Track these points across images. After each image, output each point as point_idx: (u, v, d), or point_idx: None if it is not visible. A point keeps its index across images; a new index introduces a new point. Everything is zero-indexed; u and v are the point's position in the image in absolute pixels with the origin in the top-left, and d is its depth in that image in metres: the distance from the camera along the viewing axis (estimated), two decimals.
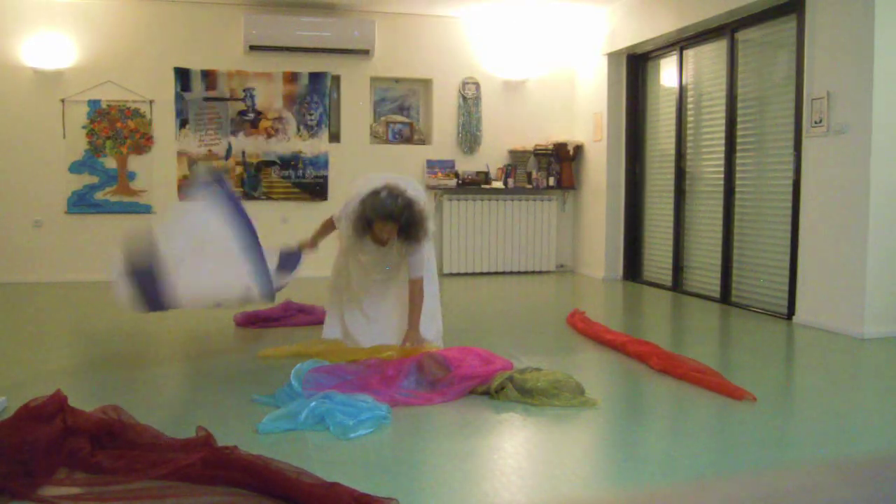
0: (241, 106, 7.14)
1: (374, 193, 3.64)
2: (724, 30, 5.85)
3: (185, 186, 6.83)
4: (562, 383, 3.21)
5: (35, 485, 2.19)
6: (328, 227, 4.16)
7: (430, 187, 7.43)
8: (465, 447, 2.69)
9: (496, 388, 3.21)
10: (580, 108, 7.74)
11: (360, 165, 7.03)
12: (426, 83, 7.68)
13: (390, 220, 3.62)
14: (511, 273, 7.67)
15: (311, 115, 7.26)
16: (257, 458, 2.30)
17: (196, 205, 3.83)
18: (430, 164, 7.49)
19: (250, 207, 6.87)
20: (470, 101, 7.59)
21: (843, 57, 4.59)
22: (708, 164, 6.19)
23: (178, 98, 7.00)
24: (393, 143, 7.62)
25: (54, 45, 6.71)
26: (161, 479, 2.23)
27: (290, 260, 4.06)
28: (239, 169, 7.14)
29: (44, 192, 6.82)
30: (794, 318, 5.02)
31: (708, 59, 6.19)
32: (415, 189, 3.84)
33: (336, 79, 7.39)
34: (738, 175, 5.80)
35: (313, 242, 4.20)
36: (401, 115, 7.72)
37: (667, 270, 6.71)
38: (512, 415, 3.03)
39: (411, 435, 2.80)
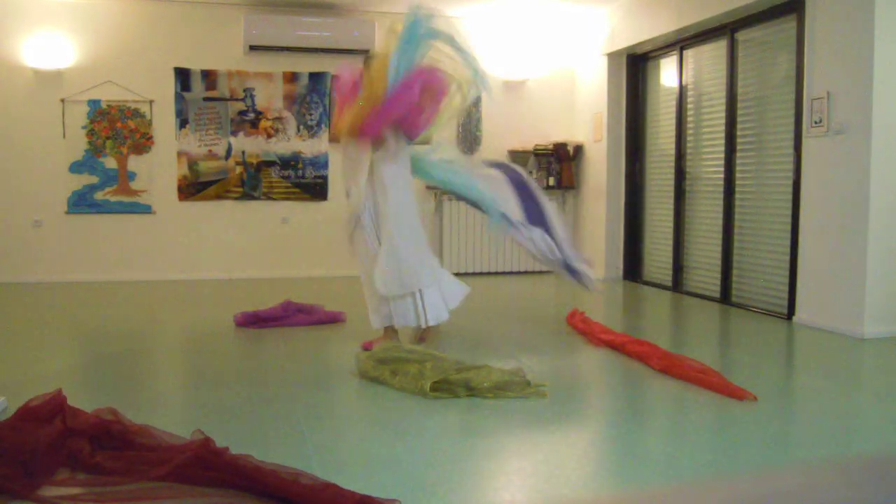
0: (241, 106, 7.14)
1: None
2: (724, 30, 5.85)
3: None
4: (507, 381, 3.28)
5: (35, 485, 2.19)
6: None
7: (429, 187, 7.42)
8: (465, 447, 2.69)
9: (438, 386, 3.24)
10: (580, 108, 7.74)
11: None
12: None
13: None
14: (511, 273, 7.67)
15: (311, 115, 7.26)
16: (247, 457, 2.29)
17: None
18: None
19: (250, 207, 6.89)
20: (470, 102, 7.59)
21: (843, 57, 4.59)
22: (708, 164, 6.18)
23: (178, 98, 7.01)
24: None
25: (54, 45, 6.71)
26: (161, 480, 2.23)
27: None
28: (239, 169, 7.13)
29: (44, 192, 6.82)
30: (794, 318, 5.02)
31: (708, 59, 6.19)
32: None
33: (336, 79, 7.38)
34: (738, 175, 5.80)
35: None
36: None
37: (667, 270, 6.71)
38: (512, 415, 3.04)
39: (411, 435, 2.81)
